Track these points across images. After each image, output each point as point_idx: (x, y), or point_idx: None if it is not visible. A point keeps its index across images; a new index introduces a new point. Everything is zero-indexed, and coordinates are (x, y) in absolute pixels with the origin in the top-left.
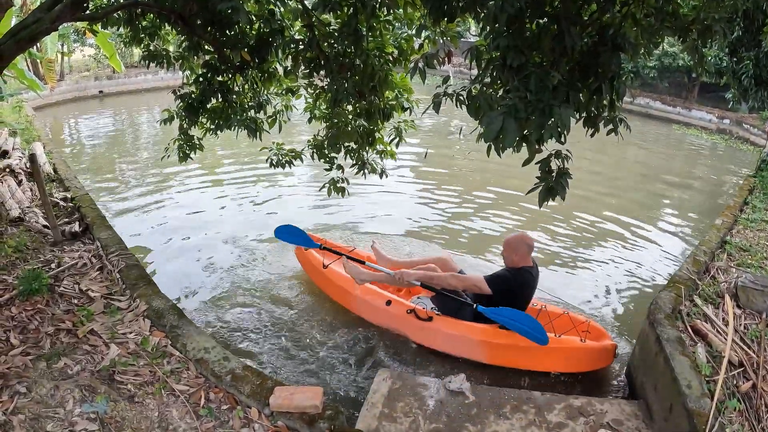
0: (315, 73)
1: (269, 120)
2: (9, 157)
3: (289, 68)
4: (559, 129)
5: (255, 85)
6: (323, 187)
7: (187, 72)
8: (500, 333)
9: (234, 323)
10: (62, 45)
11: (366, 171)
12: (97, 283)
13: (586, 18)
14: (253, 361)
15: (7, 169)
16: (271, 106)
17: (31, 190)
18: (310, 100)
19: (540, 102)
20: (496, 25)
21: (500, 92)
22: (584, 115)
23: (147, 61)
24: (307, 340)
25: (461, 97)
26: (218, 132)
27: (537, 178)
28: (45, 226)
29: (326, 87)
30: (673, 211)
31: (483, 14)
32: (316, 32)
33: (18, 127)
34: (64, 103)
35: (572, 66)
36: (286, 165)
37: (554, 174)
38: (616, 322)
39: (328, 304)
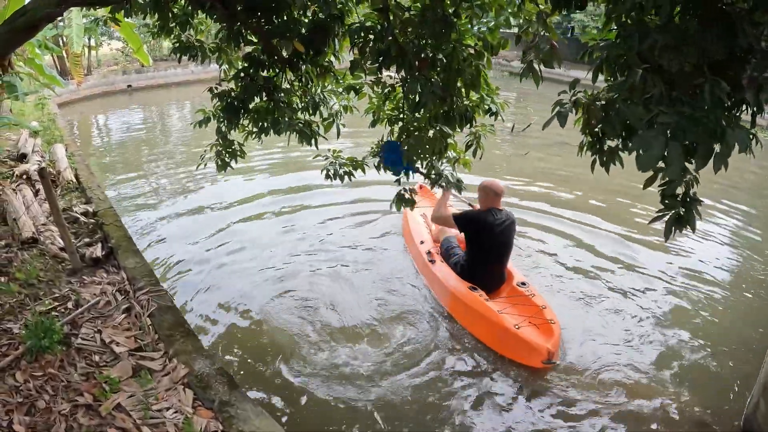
0: (385, 68)
1: (324, 123)
2: (27, 161)
3: (354, 60)
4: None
5: (309, 82)
6: (392, 202)
7: (225, 67)
8: (464, 292)
9: (302, 391)
10: (89, 39)
11: (443, 184)
12: (123, 331)
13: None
14: None
15: (24, 176)
16: (326, 106)
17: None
18: (374, 100)
19: (709, 121)
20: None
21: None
22: None
23: (178, 55)
24: (402, 407)
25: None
26: (261, 136)
27: (663, 204)
28: (62, 249)
29: (398, 84)
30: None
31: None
32: (391, 17)
33: (36, 128)
34: (91, 99)
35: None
36: (345, 177)
37: (681, 200)
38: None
39: (426, 358)
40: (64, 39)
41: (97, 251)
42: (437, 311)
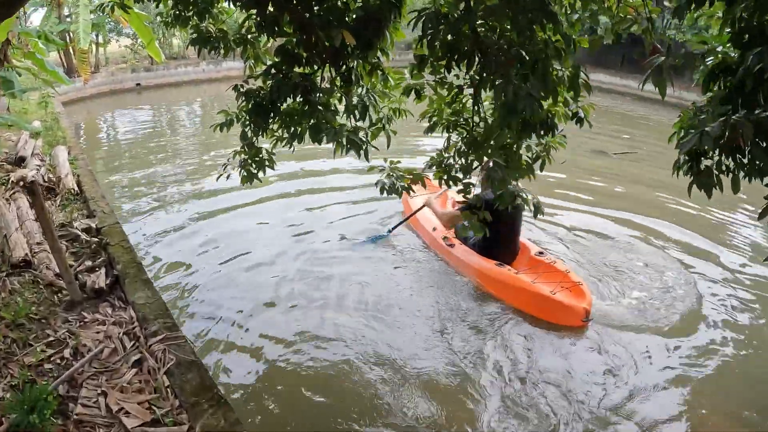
0: (456, 66)
1: (372, 129)
2: (25, 166)
3: (422, 56)
4: None
5: (359, 80)
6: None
7: (251, 62)
8: (494, 269)
9: None
10: (97, 35)
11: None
12: (134, 394)
13: None
14: None
15: (21, 183)
16: (376, 109)
17: (48, 212)
18: (435, 104)
19: None
20: None
21: None
22: None
23: (197, 47)
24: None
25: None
26: (292, 143)
27: None
28: (58, 274)
29: (467, 86)
30: None
31: None
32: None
33: (35, 129)
34: (98, 97)
35: None
36: (402, 191)
37: None
38: None
39: (478, 330)
40: (71, 35)
41: (101, 280)
42: (470, 290)
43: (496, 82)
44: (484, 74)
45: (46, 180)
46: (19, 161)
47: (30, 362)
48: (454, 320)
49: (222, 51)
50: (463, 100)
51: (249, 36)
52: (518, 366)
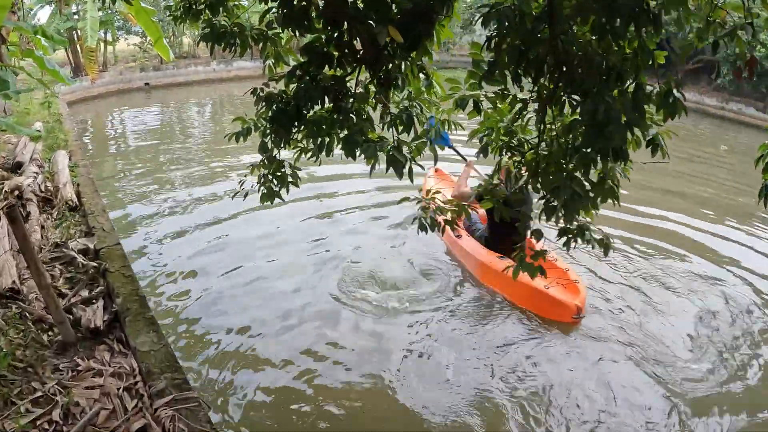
0: (526, 76)
1: (415, 144)
2: (22, 173)
3: (493, 62)
4: None
5: (405, 84)
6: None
7: (270, 61)
8: (493, 260)
9: None
10: (105, 33)
11: (587, 244)
12: None
13: None
14: None
15: (15, 193)
16: (420, 121)
17: (43, 227)
18: (490, 118)
19: None
20: None
21: None
22: None
23: (210, 45)
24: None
25: None
26: (319, 155)
27: None
28: (48, 309)
29: (532, 100)
30: None
31: None
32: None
33: (33, 134)
34: (106, 96)
35: None
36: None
37: None
38: None
39: (469, 321)
40: (79, 32)
41: (98, 317)
42: (471, 280)
43: (566, 96)
44: (558, 86)
45: (43, 190)
46: (17, 167)
47: (12, 428)
48: (450, 314)
49: (238, 48)
50: (526, 118)
51: (270, 32)
52: (504, 367)
